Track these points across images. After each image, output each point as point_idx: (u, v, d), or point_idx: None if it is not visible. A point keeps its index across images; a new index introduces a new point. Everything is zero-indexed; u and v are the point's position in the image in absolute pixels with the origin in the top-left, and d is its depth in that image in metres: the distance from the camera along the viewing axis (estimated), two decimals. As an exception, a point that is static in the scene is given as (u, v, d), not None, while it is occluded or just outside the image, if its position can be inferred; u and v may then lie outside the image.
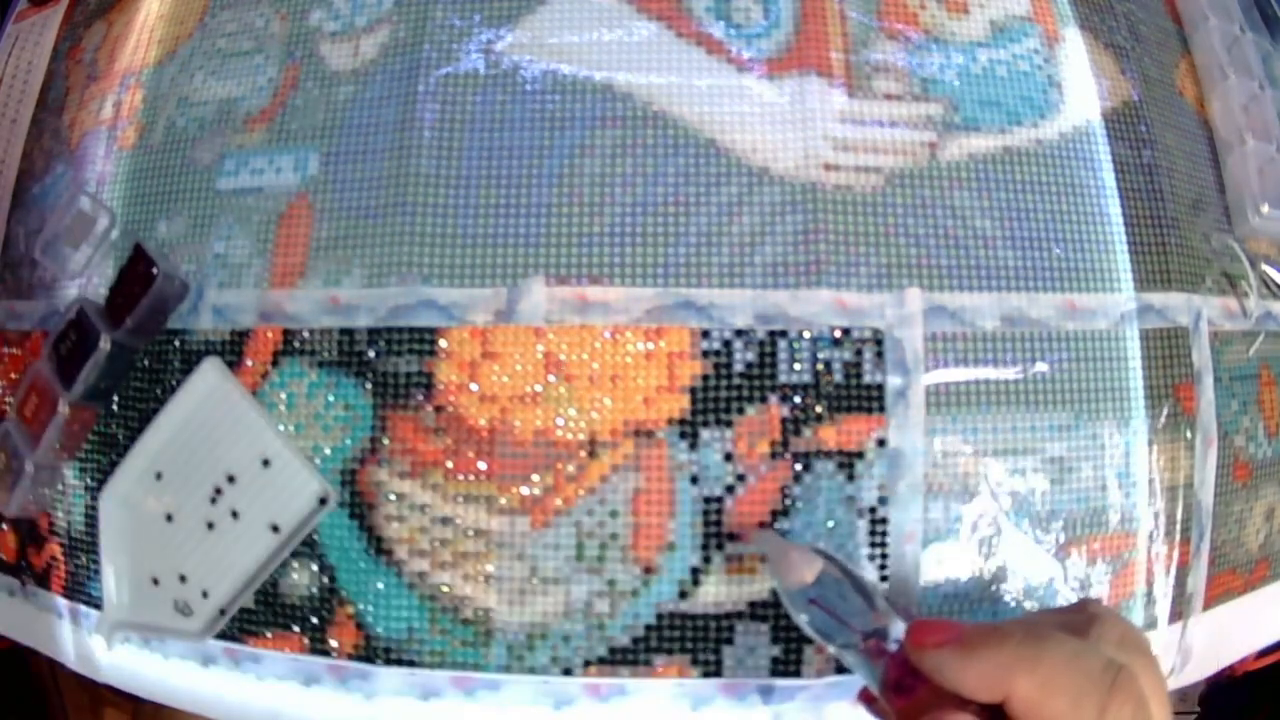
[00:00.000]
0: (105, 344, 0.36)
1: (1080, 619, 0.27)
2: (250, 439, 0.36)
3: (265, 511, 0.36)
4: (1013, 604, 0.35)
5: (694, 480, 0.34)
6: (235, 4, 0.41)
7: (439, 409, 0.34)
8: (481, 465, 0.34)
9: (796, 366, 0.34)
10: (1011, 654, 0.25)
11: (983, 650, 0.25)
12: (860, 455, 0.34)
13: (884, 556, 0.34)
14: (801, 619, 0.30)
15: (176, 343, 0.37)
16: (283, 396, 0.36)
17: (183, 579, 0.37)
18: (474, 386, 0.34)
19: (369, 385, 0.35)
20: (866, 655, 0.28)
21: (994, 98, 0.38)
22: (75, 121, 0.43)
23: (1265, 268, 0.41)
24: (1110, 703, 0.24)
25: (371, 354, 0.35)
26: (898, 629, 0.28)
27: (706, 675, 0.34)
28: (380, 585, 0.35)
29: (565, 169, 0.36)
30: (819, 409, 0.34)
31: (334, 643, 0.35)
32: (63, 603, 0.40)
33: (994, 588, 0.35)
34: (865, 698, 0.32)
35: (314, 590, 0.35)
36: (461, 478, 0.34)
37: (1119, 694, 0.24)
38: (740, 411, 0.34)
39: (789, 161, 0.36)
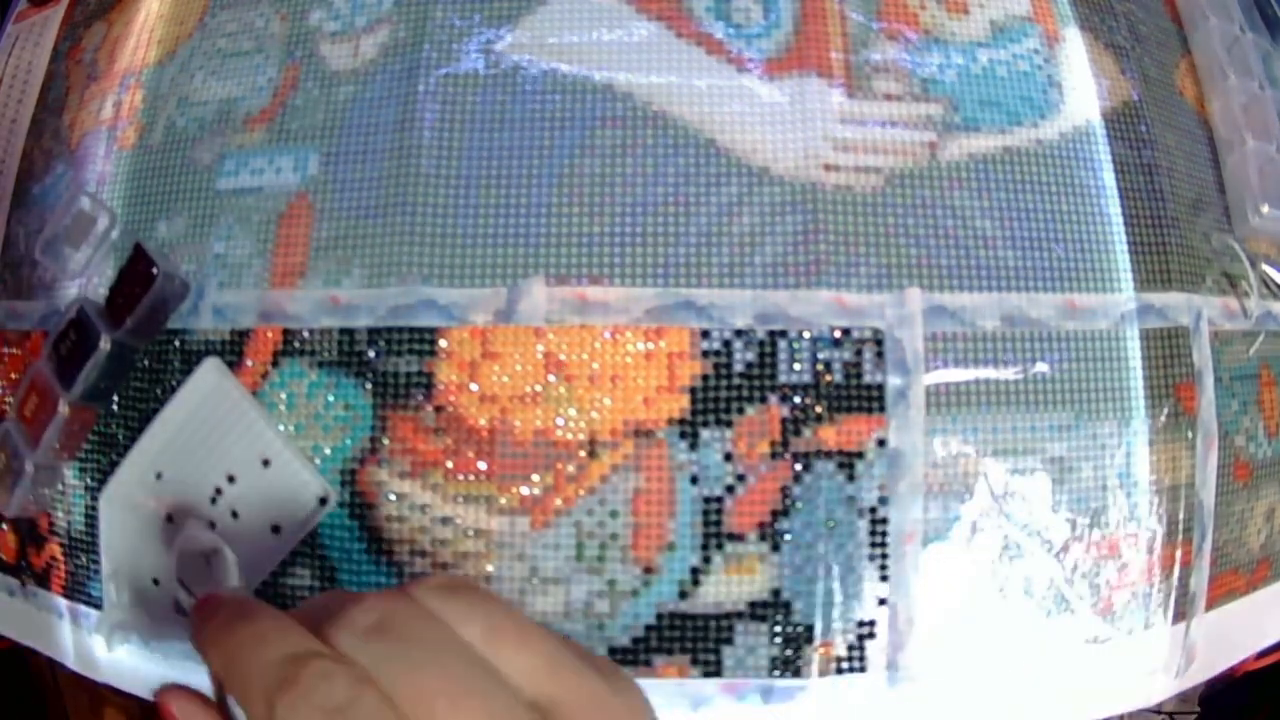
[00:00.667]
0: (105, 344, 0.36)
1: (347, 601, 0.22)
2: (250, 439, 0.36)
3: (265, 512, 0.36)
4: (1013, 603, 0.35)
5: (694, 480, 0.34)
6: (235, 4, 0.41)
7: (439, 409, 0.34)
8: (481, 465, 0.34)
9: (796, 366, 0.34)
10: (215, 624, 0.22)
11: (207, 622, 0.23)
12: (860, 455, 0.34)
13: (884, 556, 0.34)
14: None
15: (176, 343, 0.37)
16: (283, 396, 0.36)
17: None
18: (474, 386, 0.34)
19: (369, 385, 0.35)
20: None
21: (994, 98, 0.38)
22: (75, 121, 0.43)
23: (1265, 268, 0.41)
24: (277, 698, 0.19)
25: (371, 354, 0.35)
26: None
27: (706, 675, 0.34)
28: (380, 585, 0.35)
29: (565, 169, 0.36)
30: (819, 409, 0.34)
31: None
32: (63, 603, 0.40)
33: (994, 588, 0.35)
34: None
35: (314, 590, 0.35)
36: (461, 478, 0.34)
37: (288, 690, 0.19)
38: (740, 411, 0.34)
39: (789, 161, 0.36)
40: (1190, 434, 0.37)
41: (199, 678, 0.37)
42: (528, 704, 0.20)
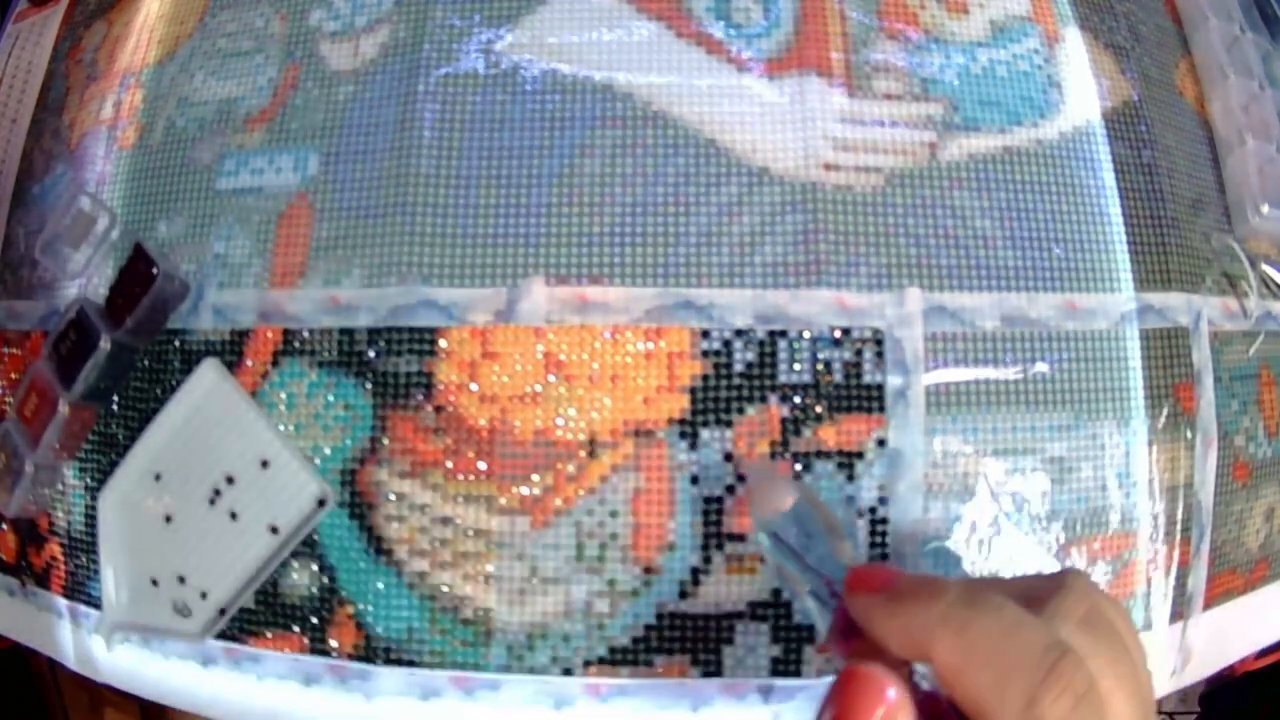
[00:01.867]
0: (105, 344, 0.36)
1: (1044, 588, 0.23)
2: (249, 440, 0.36)
3: (264, 513, 0.36)
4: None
5: (694, 480, 0.34)
6: (235, 4, 0.41)
7: (439, 409, 0.34)
8: (481, 465, 0.34)
9: (796, 366, 0.34)
10: (940, 612, 0.22)
11: (910, 603, 0.22)
12: (860, 455, 0.34)
13: (884, 557, 0.34)
14: (769, 555, 0.29)
15: (176, 343, 0.37)
16: (283, 396, 0.36)
17: (181, 580, 0.37)
18: (474, 386, 0.34)
19: (369, 385, 0.35)
20: (820, 598, 0.27)
21: (994, 98, 0.38)
22: (75, 121, 0.43)
23: (1265, 268, 0.41)
24: (1043, 690, 0.20)
25: (371, 354, 0.35)
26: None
27: (706, 675, 0.34)
28: (380, 585, 0.35)
29: (565, 169, 0.36)
30: (819, 409, 0.34)
31: (334, 643, 0.35)
32: (63, 603, 0.40)
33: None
34: (820, 649, 0.30)
35: (314, 590, 0.35)
36: (461, 478, 0.34)
37: (1056, 681, 0.20)
38: (740, 411, 0.34)
39: (789, 161, 0.36)
40: (1190, 434, 0.37)
41: (200, 677, 0.37)
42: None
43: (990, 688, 0.20)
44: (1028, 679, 0.20)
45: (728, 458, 0.34)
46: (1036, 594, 0.22)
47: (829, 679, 0.34)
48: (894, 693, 0.21)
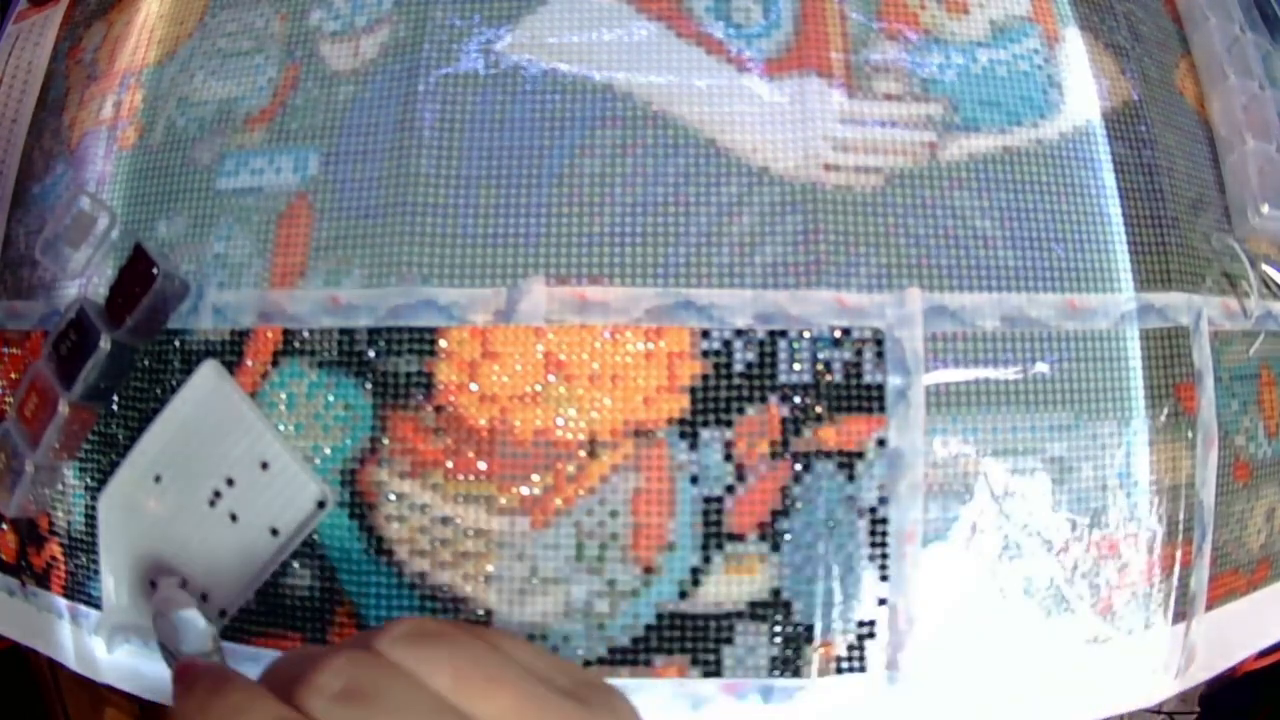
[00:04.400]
0: (105, 344, 0.36)
1: (297, 668, 0.21)
2: (249, 441, 0.36)
3: (264, 514, 0.36)
4: (1013, 603, 0.35)
5: (694, 480, 0.34)
6: (235, 4, 0.41)
7: (439, 409, 0.34)
8: (481, 465, 0.34)
9: (796, 366, 0.34)
10: (193, 704, 0.22)
11: (186, 694, 0.23)
12: (860, 455, 0.34)
13: (884, 556, 0.34)
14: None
15: (176, 343, 0.37)
16: (283, 396, 0.36)
17: (182, 582, 0.37)
18: (474, 386, 0.34)
19: (369, 385, 0.35)
20: None
21: (994, 98, 0.38)
22: (75, 121, 0.43)
23: (1265, 268, 0.41)
24: None
25: (371, 354, 0.35)
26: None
27: (706, 675, 0.34)
28: (380, 585, 0.35)
29: (565, 169, 0.36)
30: (819, 409, 0.34)
31: (334, 643, 0.35)
32: (63, 603, 0.40)
33: (994, 588, 0.35)
34: None
35: (314, 590, 0.35)
36: (461, 478, 0.34)
37: None
38: (740, 411, 0.34)
39: (789, 161, 0.36)
40: (1190, 434, 0.37)
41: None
42: None
43: None
44: None
45: (728, 458, 0.34)
46: (299, 672, 0.21)
47: (830, 679, 0.34)
48: None
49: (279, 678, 0.22)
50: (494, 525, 0.34)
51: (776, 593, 0.34)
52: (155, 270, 0.36)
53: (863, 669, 0.34)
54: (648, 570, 0.34)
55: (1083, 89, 0.39)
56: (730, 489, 0.34)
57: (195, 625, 0.31)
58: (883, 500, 0.34)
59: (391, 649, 0.22)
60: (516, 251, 0.35)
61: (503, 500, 0.34)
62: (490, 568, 0.34)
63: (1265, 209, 0.40)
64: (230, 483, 0.36)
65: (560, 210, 0.35)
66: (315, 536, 0.35)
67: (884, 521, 0.34)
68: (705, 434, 0.34)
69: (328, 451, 0.35)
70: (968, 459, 0.35)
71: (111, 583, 0.38)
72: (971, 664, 0.35)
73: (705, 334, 0.34)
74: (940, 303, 0.35)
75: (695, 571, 0.34)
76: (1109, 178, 0.38)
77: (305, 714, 0.20)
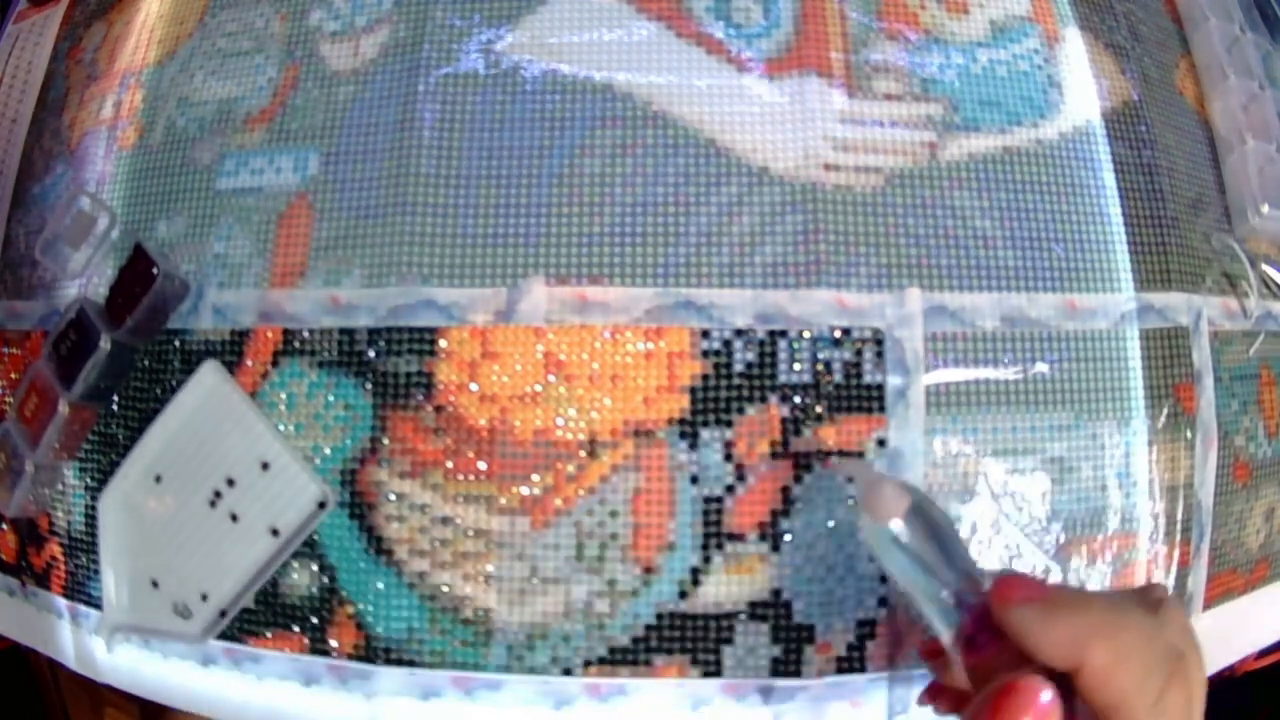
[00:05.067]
0: (105, 344, 0.36)
1: (1151, 599, 0.26)
2: (249, 442, 0.36)
3: (264, 515, 0.36)
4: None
5: (694, 480, 0.34)
6: (235, 4, 0.41)
7: (439, 409, 0.34)
8: (481, 465, 0.34)
9: (796, 366, 0.34)
10: (1095, 620, 0.24)
11: (1067, 612, 0.25)
12: (860, 455, 0.34)
13: (884, 556, 0.34)
14: (885, 560, 0.28)
15: (176, 343, 0.37)
16: (283, 396, 0.36)
17: (182, 582, 0.37)
18: (474, 386, 0.34)
19: (369, 385, 0.35)
20: (944, 605, 0.27)
21: (994, 98, 0.38)
22: (75, 121, 0.43)
23: (1265, 268, 0.41)
24: (1169, 687, 0.24)
25: (371, 354, 0.35)
26: (978, 582, 0.27)
27: (706, 675, 0.34)
28: (380, 585, 0.35)
29: (565, 169, 0.36)
30: (819, 409, 0.34)
31: (334, 643, 0.35)
32: (63, 603, 0.40)
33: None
34: (930, 693, 0.31)
35: (314, 590, 0.35)
36: (461, 478, 0.34)
37: (1177, 680, 0.24)
38: (740, 411, 0.34)
39: (789, 161, 0.36)
40: (1190, 434, 0.37)
41: (200, 677, 0.37)
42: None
43: (1133, 685, 0.24)
44: (1160, 677, 0.24)
45: (728, 457, 0.34)
46: (1148, 605, 0.26)
47: (829, 679, 0.34)
48: (1049, 698, 0.24)
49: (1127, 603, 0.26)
50: (494, 525, 0.34)
51: (776, 593, 0.34)
52: (155, 270, 0.36)
53: (863, 669, 0.34)
54: (648, 570, 0.34)
55: (1083, 89, 0.39)
56: (730, 489, 0.34)
57: (946, 517, 0.28)
58: (883, 500, 0.34)
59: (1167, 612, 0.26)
60: (516, 251, 0.35)
61: (503, 500, 0.34)
62: (490, 568, 0.34)
63: (1265, 209, 0.40)
64: (230, 483, 0.36)
65: (560, 210, 0.35)
66: (315, 536, 0.35)
67: (884, 521, 0.34)
68: (705, 434, 0.34)
69: (328, 451, 0.35)
70: (967, 459, 0.35)
71: (111, 582, 0.38)
72: (971, 664, 0.35)
73: (705, 334, 0.34)
74: (940, 302, 0.35)
75: (695, 571, 0.34)
76: (1109, 178, 0.38)
77: (1164, 634, 0.25)
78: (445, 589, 0.34)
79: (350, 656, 0.35)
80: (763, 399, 0.34)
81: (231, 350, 0.36)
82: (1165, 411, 0.37)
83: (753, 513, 0.34)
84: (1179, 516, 0.37)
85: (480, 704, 0.34)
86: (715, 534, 0.34)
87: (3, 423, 0.40)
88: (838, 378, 0.34)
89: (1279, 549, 0.42)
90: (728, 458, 0.34)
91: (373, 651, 0.35)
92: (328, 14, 0.39)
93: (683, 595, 0.34)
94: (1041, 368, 0.35)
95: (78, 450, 0.39)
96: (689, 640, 0.34)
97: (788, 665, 0.34)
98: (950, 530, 0.28)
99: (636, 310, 0.34)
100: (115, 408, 0.38)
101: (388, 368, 0.35)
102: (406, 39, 0.38)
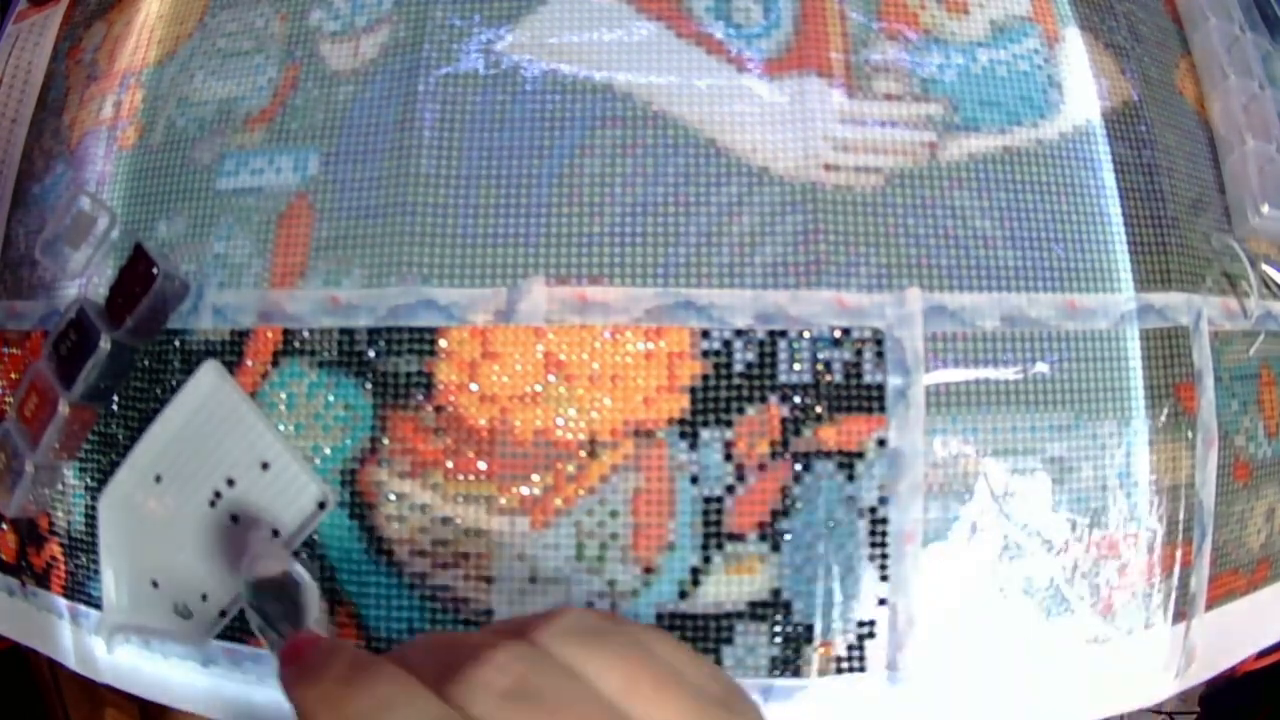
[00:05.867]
0: (105, 344, 0.36)
1: (450, 657, 0.20)
2: (249, 442, 0.36)
3: (264, 515, 0.36)
4: (1013, 603, 0.35)
5: (694, 480, 0.34)
6: (235, 4, 0.41)
7: (439, 409, 0.34)
8: (481, 465, 0.34)
9: (796, 366, 0.34)
10: (320, 691, 0.20)
11: (308, 679, 0.21)
12: (860, 455, 0.34)
13: (884, 556, 0.34)
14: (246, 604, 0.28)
15: (176, 343, 0.37)
16: (283, 396, 0.36)
17: (182, 582, 0.37)
18: (474, 386, 0.34)
19: (369, 385, 0.35)
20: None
21: (994, 98, 0.38)
22: (75, 121, 0.43)
23: (1265, 268, 0.41)
24: None
25: (371, 354, 0.35)
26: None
27: (706, 675, 0.34)
28: (380, 585, 0.35)
29: (565, 169, 0.36)
30: (819, 409, 0.34)
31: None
32: (63, 603, 0.40)
33: (994, 588, 0.35)
34: None
35: (314, 590, 0.35)
36: (461, 478, 0.34)
37: None
38: (740, 411, 0.34)
39: (789, 161, 0.36)
40: (1190, 434, 0.37)
41: (199, 677, 0.37)
42: None
43: None
44: None
45: (728, 457, 0.34)
46: (454, 662, 0.20)
47: (829, 679, 0.34)
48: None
49: (427, 668, 0.20)
50: (494, 525, 0.34)
51: (776, 593, 0.34)
52: (155, 270, 0.36)
53: (863, 669, 0.34)
54: (648, 570, 0.34)
55: (1083, 89, 0.39)
56: (730, 489, 0.34)
57: (311, 589, 0.26)
58: (883, 500, 0.34)
59: (560, 646, 0.20)
60: (516, 251, 0.35)
61: (503, 500, 0.34)
62: (490, 568, 0.34)
63: (1265, 209, 0.40)
64: (230, 483, 0.36)
65: (560, 210, 0.35)
66: (315, 536, 0.35)
67: (884, 521, 0.34)
68: (705, 434, 0.34)
69: (328, 451, 0.35)
70: (968, 459, 0.35)
71: (111, 583, 0.38)
72: (972, 664, 0.35)
73: (705, 334, 0.34)
74: (940, 302, 0.35)
75: (695, 571, 0.34)
76: (1109, 178, 0.38)
77: (465, 713, 0.19)
78: (445, 589, 0.34)
79: (350, 657, 0.35)
80: (763, 399, 0.34)
81: (231, 350, 0.36)
82: (1166, 411, 0.37)
83: (753, 513, 0.34)
84: (1180, 516, 0.37)
85: (480, 704, 0.34)
86: (715, 534, 0.34)
87: (2, 423, 0.40)
88: (838, 378, 0.34)
89: (1279, 549, 0.42)
90: (728, 458, 0.34)
91: (373, 651, 0.35)
92: (328, 14, 0.39)
93: (683, 595, 0.34)
94: (1042, 368, 0.35)
95: (78, 450, 0.39)
96: (689, 640, 0.34)
97: (788, 665, 0.34)
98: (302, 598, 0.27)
99: (636, 310, 0.34)
100: (115, 408, 0.38)
101: (388, 368, 0.35)
102: (406, 39, 0.38)
